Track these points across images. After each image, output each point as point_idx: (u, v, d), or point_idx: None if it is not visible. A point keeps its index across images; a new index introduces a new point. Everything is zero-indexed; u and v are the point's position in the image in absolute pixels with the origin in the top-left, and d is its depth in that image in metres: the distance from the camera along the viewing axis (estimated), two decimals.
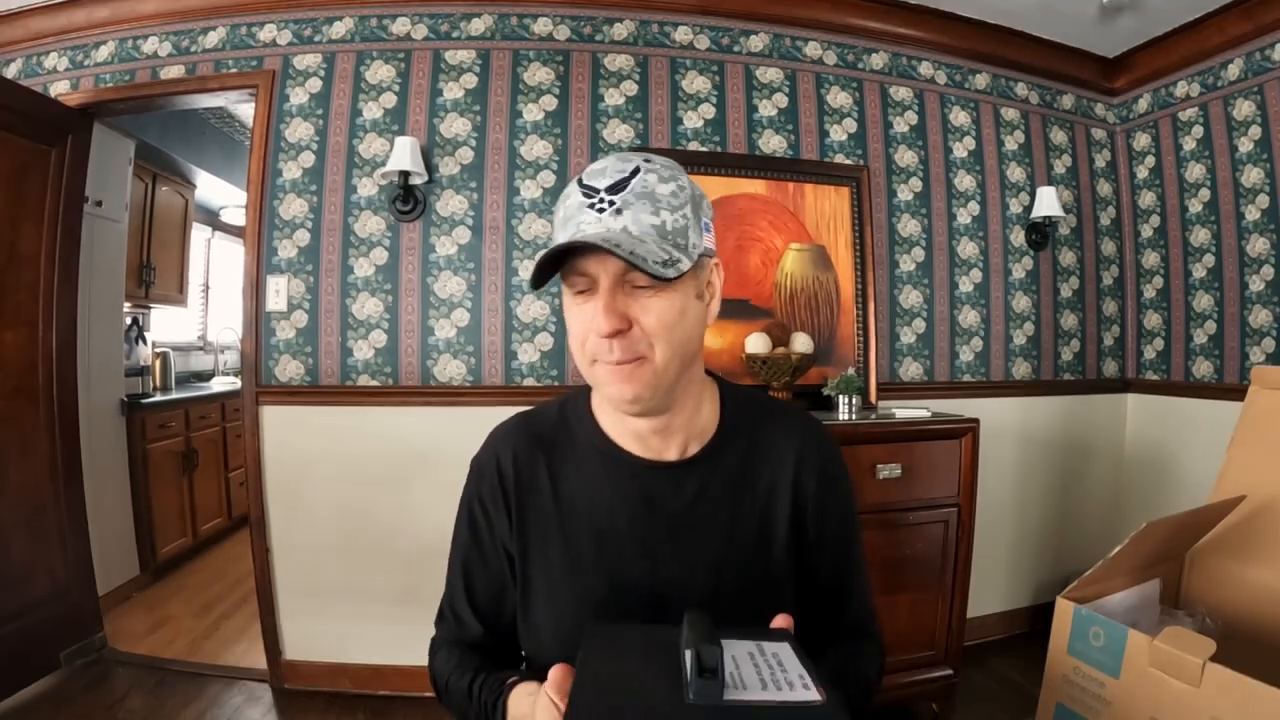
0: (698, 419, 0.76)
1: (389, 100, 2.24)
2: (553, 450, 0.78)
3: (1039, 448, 2.67)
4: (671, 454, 0.75)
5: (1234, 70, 2.41)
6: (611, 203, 0.65)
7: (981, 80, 2.64)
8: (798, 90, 2.44)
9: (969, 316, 2.60)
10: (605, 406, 0.77)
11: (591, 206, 0.65)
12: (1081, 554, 2.74)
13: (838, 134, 2.47)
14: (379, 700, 2.17)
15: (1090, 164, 2.80)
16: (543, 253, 0.63)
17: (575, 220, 0.66)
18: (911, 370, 2.52)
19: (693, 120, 2.36)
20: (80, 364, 2.47)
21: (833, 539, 0.79)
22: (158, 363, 3.68)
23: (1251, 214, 2.39)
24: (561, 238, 0.66)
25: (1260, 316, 2.38)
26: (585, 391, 0.80)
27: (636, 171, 0.66)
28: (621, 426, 0.76)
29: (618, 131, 2.31)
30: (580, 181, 0.68)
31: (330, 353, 2.22)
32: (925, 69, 2.57)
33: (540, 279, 0.65)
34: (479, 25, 2.28)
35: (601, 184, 0.66)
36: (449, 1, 2.27)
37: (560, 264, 0.66)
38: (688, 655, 0.49)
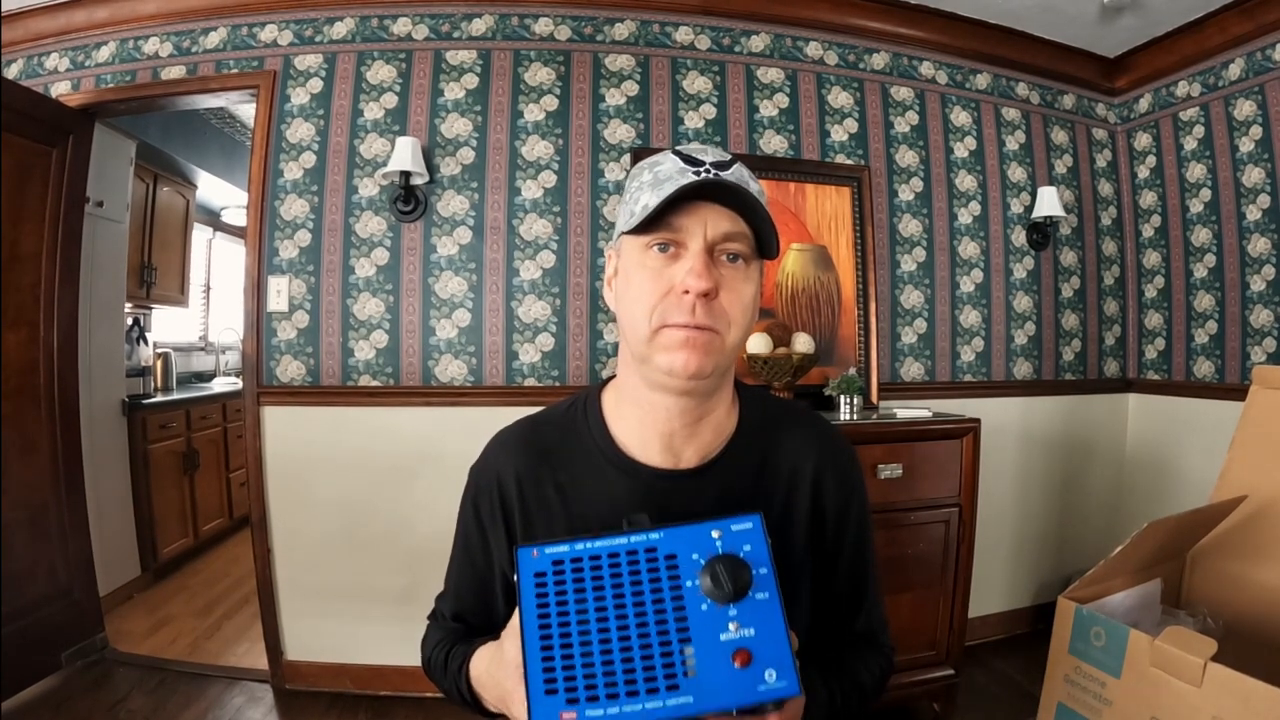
0: (726, 420, 0.74)
1: (390, 101, 2.25)
2: (560, 463, 0.74)
3: (1040, 448, 2.67)
4: (691, 458, 0.72)
5: (1235, 70, 2.41)
6: (718, 176, 0.64)
7: (982, 80, 2.64)
8: (799, 90, 2.44)
9: (970, 316, 2.59)
10: (624, 410, 0.74)
11: (696, 174, 0.64)
12: (1083, 554, 2.74)
13: (839, 134, 2.47)
14: (381, 700, 2.17)
15: (1091, 164, 2.80)
16: (677, 186, 0.62)
17: (676, 182, 0.63)
18: (913, 370, 2.52)
19: (694, 120, 2.35)
20: (81, 364, 2.47)
21: (850, 547, 0.78)
22: (159, 363, 3.68)
23: (1252, 214, 2.39)
24: (655, 196, 0.64)
25: (1261, 316, 2.38)
26: (596, 395, 0.78)
27: (735, 160, 0.67)
28: (641, 429, 0.72)
29: (619, 131, 2.31)
30: (678, 153, 0.66)
31: (331, 353, 2.22)
32: (926, 69, 2.57)
33: (647, 222, 0.63)
34: (480, 25, 2.28)
35: (706, 158, 0.65)
36: (450, 2, 2.27)
37: (657, 215, 0.63)
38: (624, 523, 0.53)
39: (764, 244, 0.66)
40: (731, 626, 0.47)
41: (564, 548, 0.51)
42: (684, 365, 0.64)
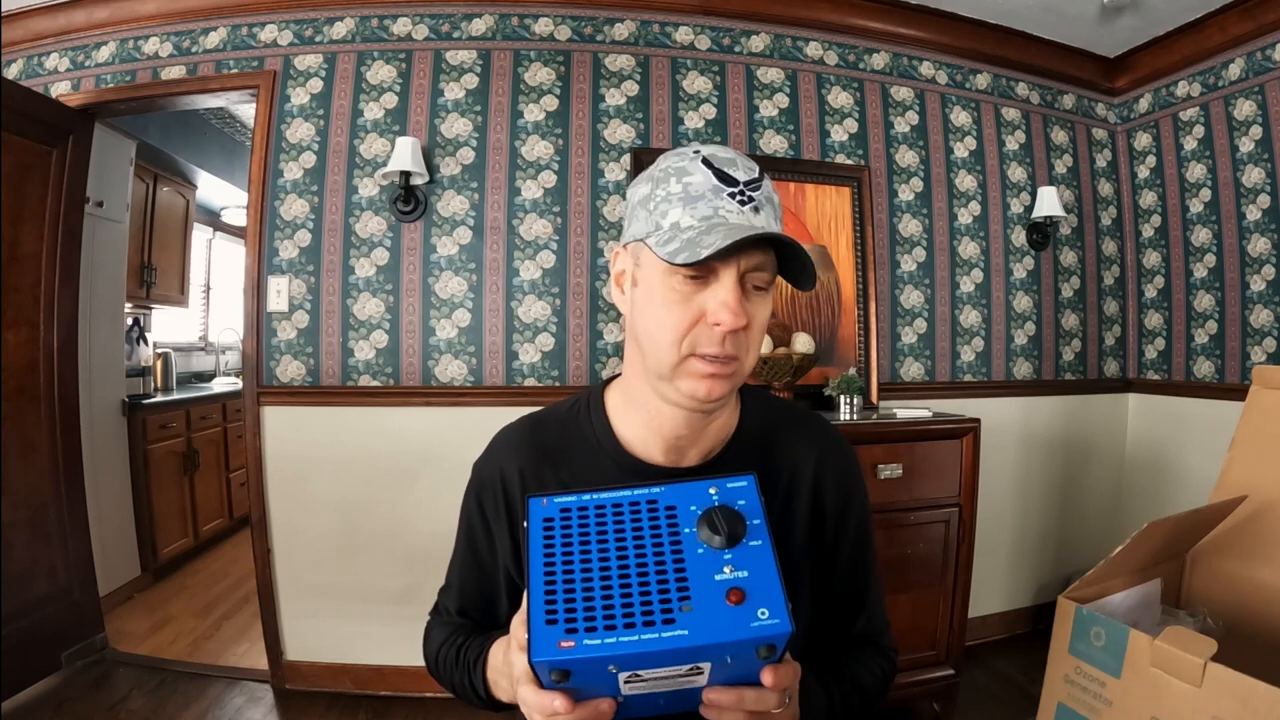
0: (728, 421, 0.75)
1: (390, 100, 2.25)
2: (563, 461, 0.75)
3: (1040, 448, 2.67)
4: (693, 458, 0.73)
5: (1235, 70, 2.41)
6: (751, 198, 0.63)
7: (982, 80, 2.64)
8: (798, 90, 2.44)
9: (970, 316, 2.59)
10: (629, 411, 0.74)
11: (733, 196, 0.63)
12: (1083, 554, 2.74)
13: (839, 134, 2.47)
14: (380, 700, 2.17)
15: (1091, 164, 2.80)
16: (740, 235, 0.58)
17: (711, 203, 0.62)
18: (913, 370, 2.52)
19: (694, 120, 2.35)
20: (81, 364, 2.47)
21: (850, 548, 0.78)
22: (159, 363, 3.68)
23: (1252, 214, 2.39)
24: (689, 215, 0.62)
25: (1261, 316, 2.38)
26: (598, 394, 0.78)
27: (763, 175, 0.66)
28: (646, 432, 0.72)
29: (619, 132, 2.31)
30: (710, 165, 0.64)
31: (331, 353, 2.22)
32: (926, 69, 2.57)
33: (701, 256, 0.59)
34: (480, 25, 2.28)
35: (739, 176, 0.64)
36: (450, 2, 2.27)
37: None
38: None
39: (799, 280, 0.66)
40: (726, 569, 0.50)
41: (571, 498, 0.55)
42: (707, 393, 0.64)
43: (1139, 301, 2.82)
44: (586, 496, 0.55)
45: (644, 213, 0.66)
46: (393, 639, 2.17)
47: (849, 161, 2.47)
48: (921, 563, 1.98)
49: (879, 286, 2.45)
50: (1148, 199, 2.76)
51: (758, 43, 2.42)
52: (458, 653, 0.74)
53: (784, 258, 0.64)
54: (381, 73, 2.25)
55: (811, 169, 2.40)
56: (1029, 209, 2.66)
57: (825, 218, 2.38)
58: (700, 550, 0.51)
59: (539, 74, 2.28)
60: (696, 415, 0.69)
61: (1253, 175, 2.38)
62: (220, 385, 4.21)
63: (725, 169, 0.64)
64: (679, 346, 0.63)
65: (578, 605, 0.47)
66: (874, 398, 2.36)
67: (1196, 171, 2.56)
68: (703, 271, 0.62)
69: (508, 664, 0.60)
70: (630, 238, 0.68)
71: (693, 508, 0.53)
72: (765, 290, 0.65)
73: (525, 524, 0.53)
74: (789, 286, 2.36)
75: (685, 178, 0.64)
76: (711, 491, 0.54)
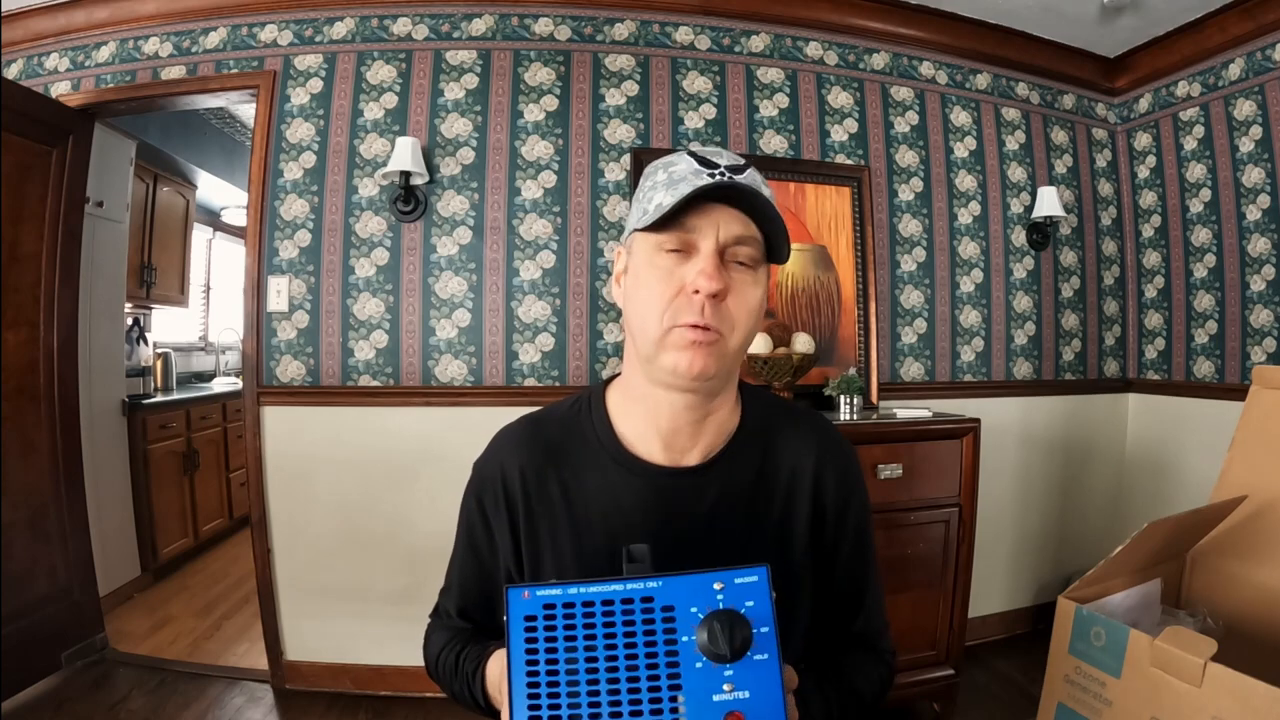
0: (729, 419, 0.75)
1: (390, 100, 2.25)
2: (563, 460, 0.75)
3: (1040, 448, 2.67)
4: (694, 457, 0.73)
5: (1235, 70, 2.41)
6: (733, 180, 0.65)
7: (982, 80, 2.64)
8: (799, 90, 2.44)
9: (970, 316, 2.59)
10: (628, 408, 0.74)
11: (711, 176, 0.64)
12: (1083, 554, 2.74)
13: (839, 134, 2.47)
14: (380, 700, 2.17)
15: (1091, 164, 2.80)
16: (692, 187, 0.62)
17: (691, 184, 0.64)
18: (913, 370, 2.52)
19: (694, 120, 2.35)
20: (81, 364, 2.47)
21: (849, 548, 0.78)
22: (159, 363, 3.69)
23: (1252, 214, 2.39)
24: (669, 196, 0.64)
25: (1261, 316, 2.38)
26: (599, 393, 0.78)
27: (748, 165, 0.68)
28: (645, 428, 0.73)
29: (619, 132, 2.31)
30: (693, 154, 0.67)
31: (331, 353, 2.22)
32: (926, 69, 2.57)
33: (661, 221, 0.64)
34: (480, 25, 2.28)
35: (720, 162, 0.66)
36: (450, 2, 2.27)
37: (670, 214, 0.63)
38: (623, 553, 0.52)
39: (774, 249, 0.67)
40: (726, 688, 0.46)
41: (557, 591, 0.49)
42: (689, 366, 0.65)
43: (1139, 301, 2.82)
44: (573, 590, 0.49)
45: (635, 206, 0.70)
46: (393, 639, 2.17)
47: (849, 161, 2.47)
48: (921, 563, 1.98)
49: (879, 286, 2.45)
50: (1148, 199, 2.76)
51: (758, 43, 2.42)
52: (456, 660, 0.74)
53: (767, 235, 0.67)
54: (381, 73, 2.25)
55: (811, 169, 2.40)
56: (1029, 209, 2.66)
57: (825, 218, 2.38)
58: (699, 664, 0.47)
59: (539, 74, 2.28)
60: (691, 400, 0.70)
61: (1253, 175, 2.38)
62: (220, 385, 4.21)
63: (708, 157, 0.67)
64: (662, 319, 0.65)
65: (563, 710, 0.45)
66: (874, 398, 2.36)
67: (1196, 171, 2.56)
68: (684, 246, 0.65)
69: (504, 679, 0.60)
70: (626, 233, 0.72)
71: (694, 609, 0.48)
72: (750, 267, 0.67)
73: (505, 618, 0.48)
74: (789, 287, 2.38)
75: (670, 167, 0.68)
76: (717, 587, 0.49)
